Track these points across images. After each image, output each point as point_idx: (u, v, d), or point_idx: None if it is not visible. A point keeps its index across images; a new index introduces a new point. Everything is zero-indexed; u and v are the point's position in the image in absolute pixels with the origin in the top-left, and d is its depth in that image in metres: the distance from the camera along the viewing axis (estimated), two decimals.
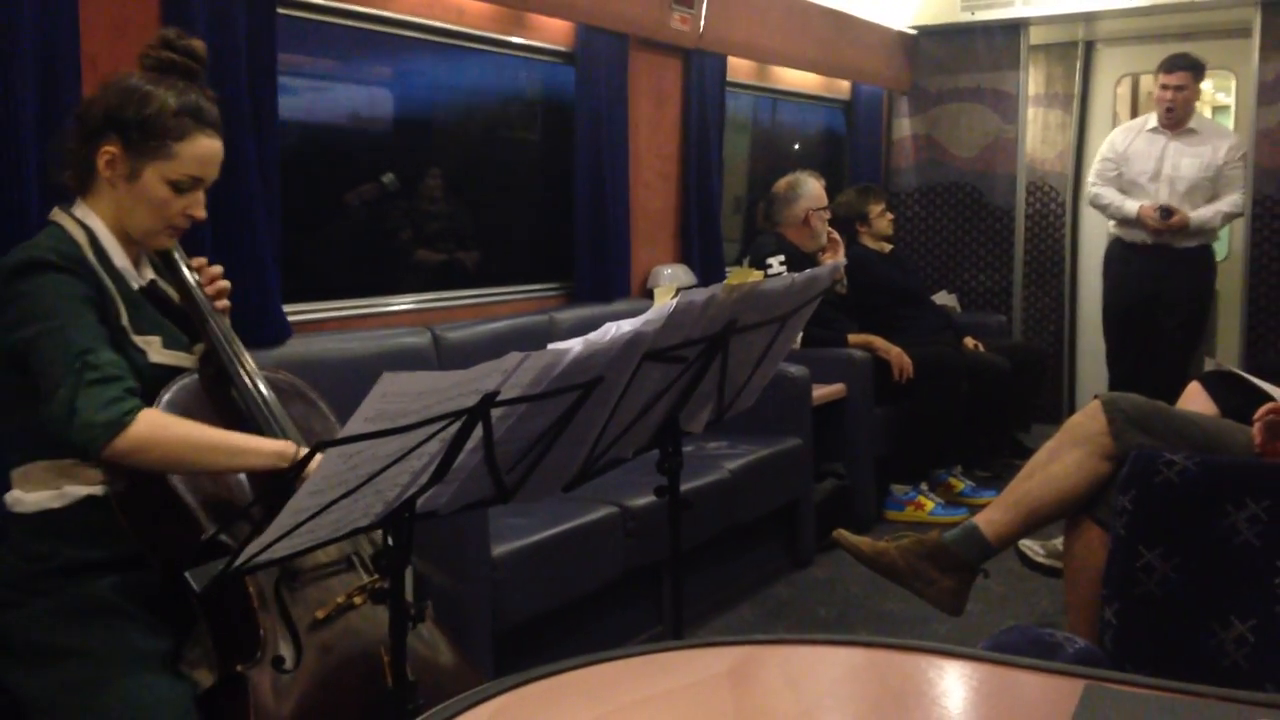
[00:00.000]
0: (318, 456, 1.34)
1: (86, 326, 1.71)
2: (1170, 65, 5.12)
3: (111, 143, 1.82)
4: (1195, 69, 5.12)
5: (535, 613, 2.86)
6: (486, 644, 2.67)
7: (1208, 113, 7.03)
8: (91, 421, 1.64)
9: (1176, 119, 5.15)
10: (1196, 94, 5.25)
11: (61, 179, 1.91)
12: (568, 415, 1.65)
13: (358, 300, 3.53)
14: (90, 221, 1.84)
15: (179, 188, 1.84)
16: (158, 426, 1.68)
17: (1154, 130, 5.23)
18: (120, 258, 1.85)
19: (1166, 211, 5.06)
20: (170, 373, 1.85)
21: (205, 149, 1.85)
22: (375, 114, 4.10)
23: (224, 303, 1.99)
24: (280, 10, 3.02)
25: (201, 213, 1.89)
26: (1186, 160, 5.17)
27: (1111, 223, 5.51)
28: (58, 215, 1.85)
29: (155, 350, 1.84)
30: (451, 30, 3.74)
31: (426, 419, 1.38)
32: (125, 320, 1.81)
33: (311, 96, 3.75)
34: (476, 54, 3.98)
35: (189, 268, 1.95)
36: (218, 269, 2.00)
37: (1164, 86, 5.13)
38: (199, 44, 1.93)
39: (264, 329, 2.90)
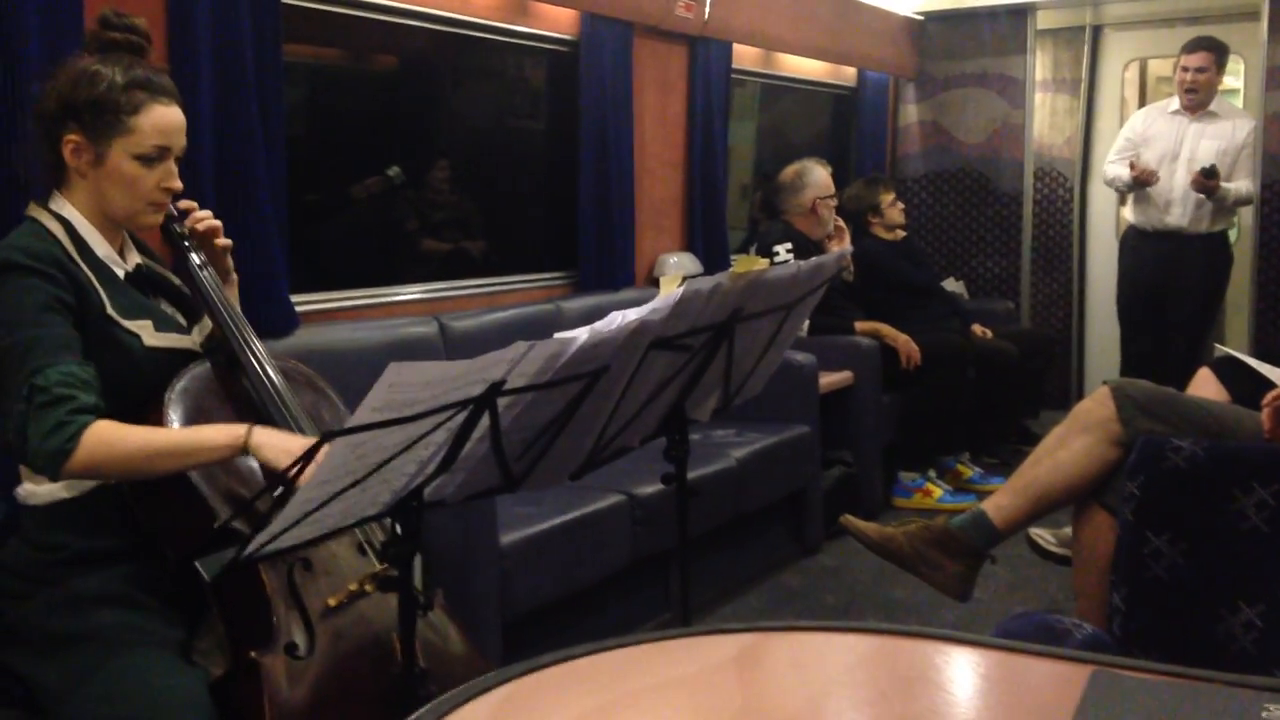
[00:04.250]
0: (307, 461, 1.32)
1: (47, 337, 1.69)
2: (1192, 46, 5.09)
3: (72, 131, 1.81)
4: (1218, 50, 5.08)
5: (543, 601, 2.86)
6: (495, 632, 2.68)
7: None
8: (39, 450, 1.65)
9: (1197, 101, 5.11)
10: (1218, 76, 5.21)
11: (34, 177, 1.90)
12: (574, 404, 1.65)
13: (365, 290, 3.53)
14: (66, 213, 1.82)
15: (147, 161, 1.82)
16: (103, 445, 1.67)
17: (1176, 112, 5.20)
18: (102, 246, 1.84)
19: (1210, 171, 4.93)
20: (169, 355, 1.84)
21: (163, 118, 1.83)
22: (381, 104, 4.10)
23: (224, 241, 1.98)
24: (285, 1, 3.02)
25: (177, 184, 1.87)
26: (1206, 142, 5.14)
27: (1127, 209, 5.49)
28: (34, 210, 1.84)
29: (149, 334, 1.83)
30: (456, 19, 3.73)
31: (433, 408, 1.38)
32: (110, 309, 1.79)
33: (317, 86, 3.75)
34: (481, 42, 3.97)
35: (190, 246, 1.94)
36: (205, 212, 1.97)
37: (1184, 68, 5.09)
38: (139, 20, 1.92)
39: (272, 319, 2.91)
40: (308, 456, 1.40)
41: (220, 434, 1.73)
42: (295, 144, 3.26)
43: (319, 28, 3.47)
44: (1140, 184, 5.08)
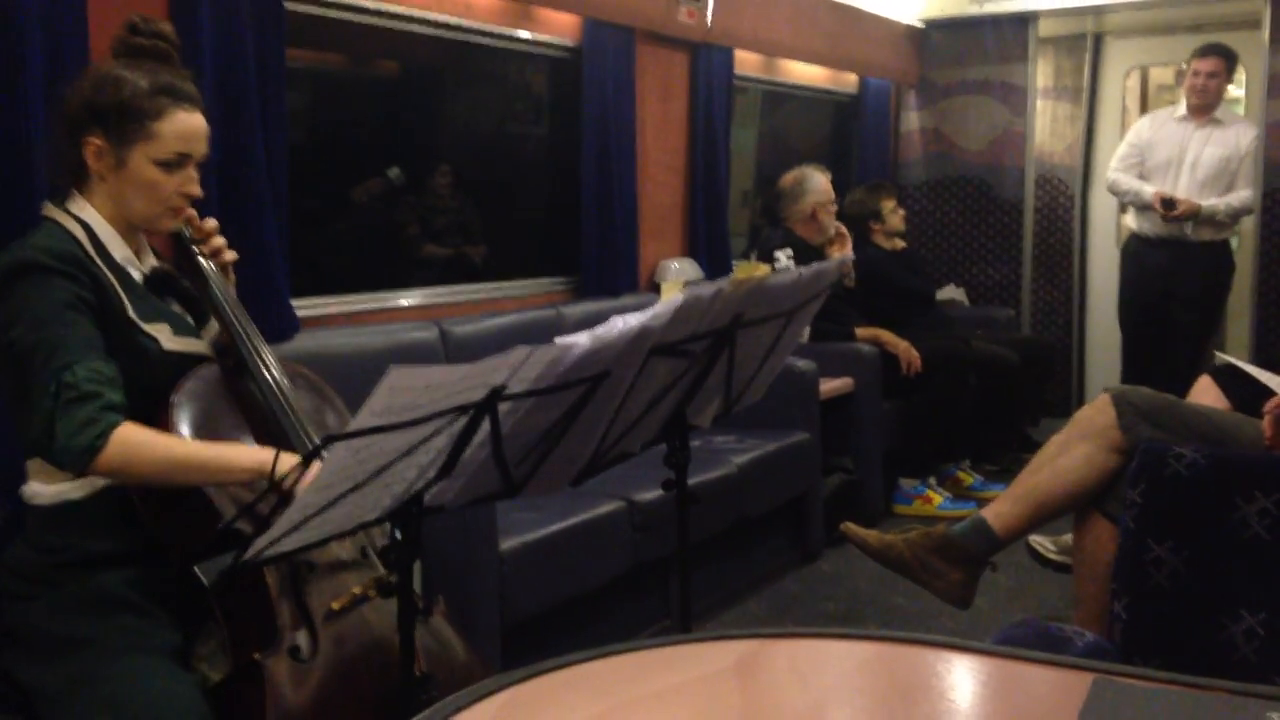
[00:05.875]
0: (305, 467, 1.32)
1: (71, 336, 1.70)
2: (1203, 51, 5.13)
3: (94, 134, 1.82)
4: (1229, 57, 5.13)
5: (543, 607, 2.86)
6: (494, 638, 2.67)
7: None
8: (67, 446, 1.65)
9: (1205, 105, 5.14)
10: (1227, 83, 5.24)
11: (55, 179, 1.91)
12: (575, 409, 1.65)
13: (365, 295, 3.53)
14: (86, 215, 1.83)
15: (168, 167, 1.83)
16: (131, 448, 1.67)
17: (1181, 119, 5.23)
18: (120, 249, 1.85)
19: (1169, 203, 5.05)
20: (184, 359, 1.85)
21: (185, 124, 1.85)
22: (383, 110, 4.10)
23: (230, 255, 1.99)
24: (287, 5, 3.02)
25: (197, 190, 1.89)
26: (1209, 149, 5.16)
27: (1129, 217, 5.50)
28: (52, 211, 1.84)
29: (167, 338, 1.84)
30: (458, 25, 3.74)
31: (434, 413, 1.38)
32: (131, 312, 1.81)
33: (319, 91, 3.75)
34: (483, 48, 3.98)
35: (201, 252, 1.94)
36: (212, 223, 1.98)
37: (1196, 73, 5.13)
38: (166, 26, 1.93)
39: (272, 323, 2.90)
40: (308, 460, 1.40)
41: (247, 457, 1.73)
42: (297, 150, 3.26)
43: (321, 33, 3.47)
44: (1174, 217, 5.08)
